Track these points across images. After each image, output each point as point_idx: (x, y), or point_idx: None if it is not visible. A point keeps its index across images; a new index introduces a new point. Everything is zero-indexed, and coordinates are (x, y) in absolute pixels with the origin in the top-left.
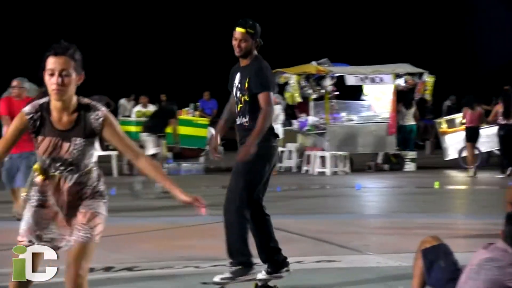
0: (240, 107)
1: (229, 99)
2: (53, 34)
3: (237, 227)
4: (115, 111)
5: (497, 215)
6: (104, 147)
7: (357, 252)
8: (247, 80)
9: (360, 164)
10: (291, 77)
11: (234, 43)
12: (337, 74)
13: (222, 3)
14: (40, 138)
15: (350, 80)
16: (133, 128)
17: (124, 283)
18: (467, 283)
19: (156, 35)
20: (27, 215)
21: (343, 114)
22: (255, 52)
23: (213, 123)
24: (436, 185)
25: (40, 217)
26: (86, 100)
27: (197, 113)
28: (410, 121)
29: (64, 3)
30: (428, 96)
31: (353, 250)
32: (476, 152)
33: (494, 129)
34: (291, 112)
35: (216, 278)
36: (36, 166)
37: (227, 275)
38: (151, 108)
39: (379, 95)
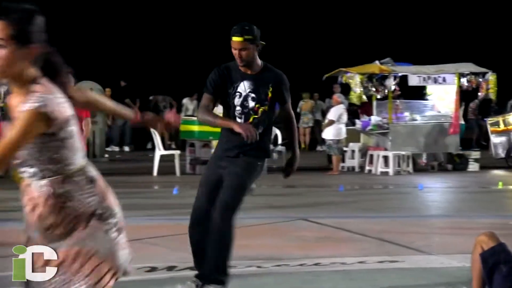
0: (254, 118)
1: (205, 102)
2: (125, 32)
3: (230, 239)
4: (177, 110)
5: None
6: (167, 147)
7: (420, 252)
8: (270, 89)
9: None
10: (355, 77)
11: (234, 52)
12: (400, 74)
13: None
14: None
15: (413, 81)
16: (195, 128)
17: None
18: None
19: (216, 35)
20: None
21: (406, 113)
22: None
23: (275, 123)
24: (500, 185)
25: None
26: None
27: None
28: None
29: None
30: (492, 95)
31: (416, 250)
32: None
33: None
34: (354, 111)
35: None
36: None
37: None
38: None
39: (442, 95)
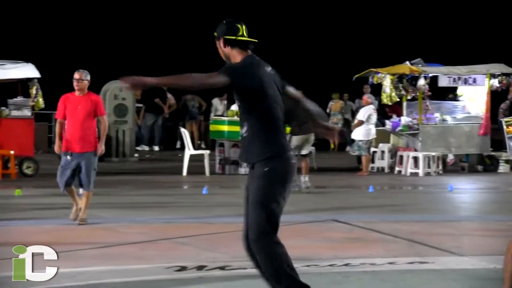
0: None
1: (277, 106)
2: (155, 32)
3: (272, 259)
4: (207, 111)
5: None
6: (197, 146)
7: (450, 253)
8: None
9: (453, 165)
10: (385, 77)
11: None
12: (430, 74)
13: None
14: None
15: (443, 82)
16: (225, 128)
17: (216, 282)
18: None
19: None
20: None
21: (437, 114)
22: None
23: None
24: None
25: None
26: None
27: None
28: None
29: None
30: None
31: (446, 251)
32: None
33: None
34: (384, 112)
35: None
36: None
37: None
38: None
39: (473, 96)
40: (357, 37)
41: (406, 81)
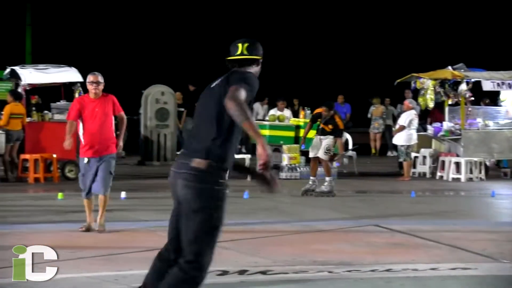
0: None
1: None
2: (194, 37)
3: None
4: None
5: None
6: (238, 151)
7: (492, 260)
8: None
9: (496, 171)
10: (427, 82)
11: None
12: (473, 80)
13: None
14: None
15: (487, 86)
16: (266, 132)
17: (258, 286)
18: None
19: (286, 40)
20: None
21: (479, 119)
22: None
23: (346, 128)
24: None
25: None
26: None
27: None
28: None
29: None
30: None
31: (488, 257)
32: None
33: None
34: (425, 117)
35: None
36: None
37: None
38: (286, 112)
39: None
40: (399, 42)
41: (448, 86)
